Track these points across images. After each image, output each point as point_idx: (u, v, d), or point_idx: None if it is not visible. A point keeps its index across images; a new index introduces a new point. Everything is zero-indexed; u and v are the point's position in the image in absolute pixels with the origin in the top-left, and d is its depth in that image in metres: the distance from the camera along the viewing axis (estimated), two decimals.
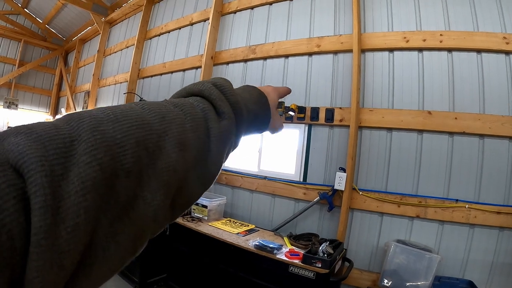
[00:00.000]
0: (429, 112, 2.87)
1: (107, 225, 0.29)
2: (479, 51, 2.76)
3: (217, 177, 0.46)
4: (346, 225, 3.10)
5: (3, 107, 9.22)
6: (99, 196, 0.28)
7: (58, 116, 9.26)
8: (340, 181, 3.11)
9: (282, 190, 3.61)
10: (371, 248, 3.03)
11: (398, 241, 2.79)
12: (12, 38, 9.56)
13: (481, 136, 2.69)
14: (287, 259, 2.66)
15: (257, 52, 4.05)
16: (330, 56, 3.45)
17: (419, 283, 2.50)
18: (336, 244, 2.83)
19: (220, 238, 3.10)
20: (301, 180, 3.52)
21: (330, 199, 3.16)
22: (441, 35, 2.88)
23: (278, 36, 3.92)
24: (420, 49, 2.99)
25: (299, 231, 3.32)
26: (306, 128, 3.55)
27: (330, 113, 3.35)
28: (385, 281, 2.67)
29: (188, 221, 3.57)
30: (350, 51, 3.27)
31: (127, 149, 0.31)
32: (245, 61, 4.22)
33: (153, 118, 0.36)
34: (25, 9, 9.64)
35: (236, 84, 0.48)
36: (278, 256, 2.70)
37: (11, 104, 9.33)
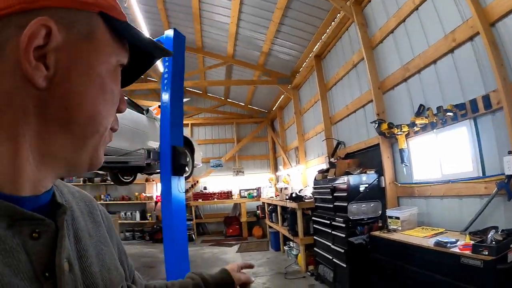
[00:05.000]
0: None
1: None
2: None
3: None
4: None
5: (233, 175, 12.41)
6: None
7: (278, 173, 11.46)
8: (509, 166, 2.87)
9: (465, 190, 3.50)
10: None
11: None
12: (226, 123, 12.96)
13: None
14: (459, 251, 2.71)
15: (410, 69, 4.27)
16: (468, 44, 3.36)
17: None
18: (510, 232, 2.62)
19: (406, 242, 3.39)
20: (480, 175, 3.35)
21: (507, 187, 2.92)
22: None
23: (420, 47, 4.06)
24: None
25: (482, 226, 3.14)
26: (472, 122, 3.44)
27: (486, 99, 3.18)
28: None
29: (385, 232, 3.98)
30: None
31: None
32: (405, 80, 4.47)
33: None
34: (227, 99, 12.84)
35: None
36: (451, 250, 2.78)
37: (238, 172, 12.42)
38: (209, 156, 12.49)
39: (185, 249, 3.85)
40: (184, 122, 11.85)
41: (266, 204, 9.97)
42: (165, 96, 3.85)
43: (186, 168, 5.35)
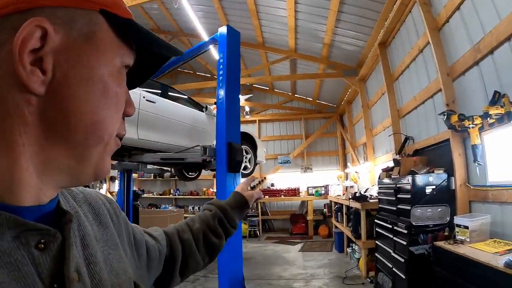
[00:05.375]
0: None
1: None
2: None
3: None
4: None
5: (301, 172, 11.99)
6: None
7: (347, 170, 10.75)
8: None
9: None
10: None
11: None
12: (294, 119, 12.60)
13: None
14: None
15: (481, 49, 3.62)
16: None
17: None
18: None
19: (471, 257, 2.88)
20: None
21: None
22: None
23: (491, 21, 3.41)
24: None
25: None
26: None
27: None
28: None
29: (450, 243, 3.47)
30: None
31: None
32: (476, 63, 3.81)
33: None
34: (295, 95, 12.53)
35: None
36: None
37: (306, 169, 11.97)
38: (277, 153, 12.41)
39: (238, 248, 3.77)
40: (252, 118, 12.15)
41: (333, 203, 9.56)
42: (221, 92, 3.81)
43: (248, 165, 5.32)
